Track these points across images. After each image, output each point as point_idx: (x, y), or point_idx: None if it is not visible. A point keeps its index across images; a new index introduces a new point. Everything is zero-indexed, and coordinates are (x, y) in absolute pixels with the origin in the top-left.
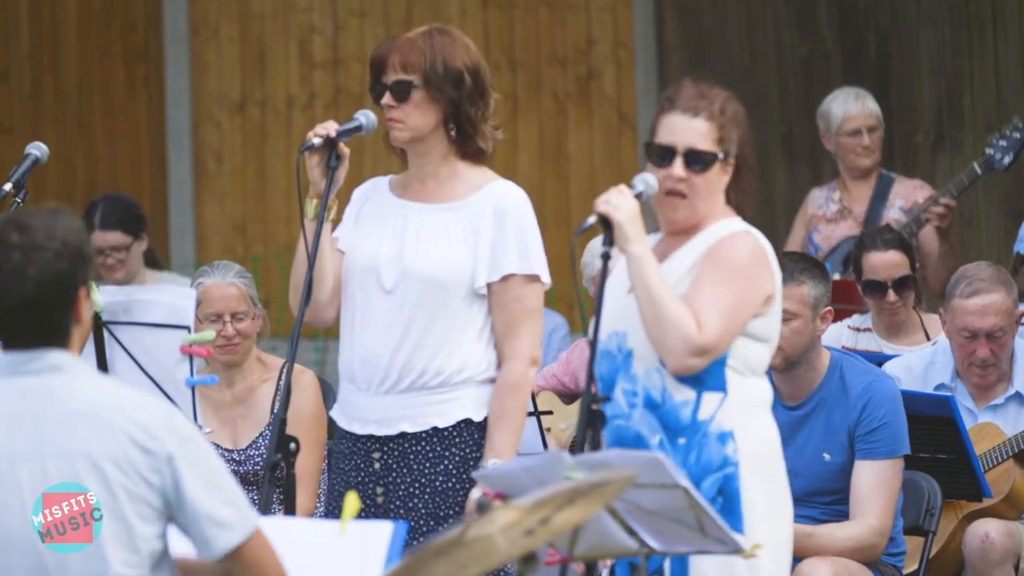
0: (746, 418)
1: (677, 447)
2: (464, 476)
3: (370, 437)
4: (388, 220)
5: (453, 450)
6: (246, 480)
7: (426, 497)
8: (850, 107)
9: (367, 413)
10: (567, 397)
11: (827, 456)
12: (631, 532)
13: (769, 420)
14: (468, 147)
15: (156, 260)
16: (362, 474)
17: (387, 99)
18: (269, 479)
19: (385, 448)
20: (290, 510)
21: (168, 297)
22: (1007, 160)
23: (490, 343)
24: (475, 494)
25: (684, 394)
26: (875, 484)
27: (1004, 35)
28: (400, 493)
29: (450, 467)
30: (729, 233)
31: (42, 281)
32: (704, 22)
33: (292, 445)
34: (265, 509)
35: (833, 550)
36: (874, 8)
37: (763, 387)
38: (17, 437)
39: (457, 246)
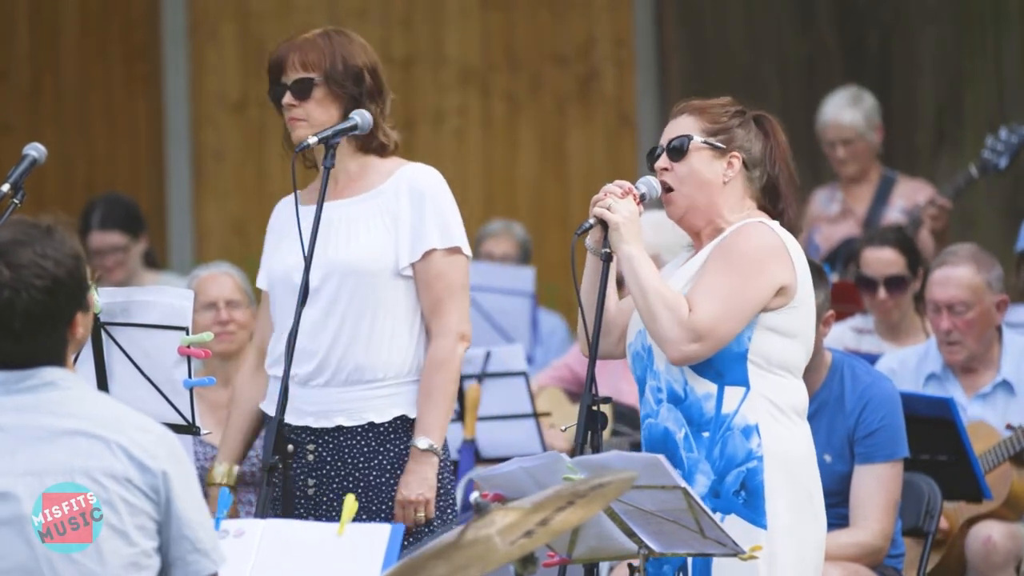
0: (774, 417)
1: (701, 441)
2: (397, 472)
3: (305, 428)
4: (297, 226)
5: (388, 446)
6: (242, 481)
7: (359, 491)
8: (832, 116)
9: (304, 404)
10: (575, 393)
11: (827, 458)
12: (630, 533)
13: (803, 425)
14: (369, 143)
15: (155, 260)
16: (295, 465)
17: (288, 99)
18: (267, 480)
19: (320, 440)
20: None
21: (166, 298)
22: (1003, 163)
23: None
24: (473, 496)
25: (706, 387)
26: (876, 488)
27: (1006, 34)
28: (333, 486)
29: (384, 463)
30: (741, 224)
31: (32, 314)
32: (705, 21)
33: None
34: (262, 510)
35: (838, 558)
36: (875, 7)
37: (795, 388)
38: (16, 453)
39: (378, 234)
